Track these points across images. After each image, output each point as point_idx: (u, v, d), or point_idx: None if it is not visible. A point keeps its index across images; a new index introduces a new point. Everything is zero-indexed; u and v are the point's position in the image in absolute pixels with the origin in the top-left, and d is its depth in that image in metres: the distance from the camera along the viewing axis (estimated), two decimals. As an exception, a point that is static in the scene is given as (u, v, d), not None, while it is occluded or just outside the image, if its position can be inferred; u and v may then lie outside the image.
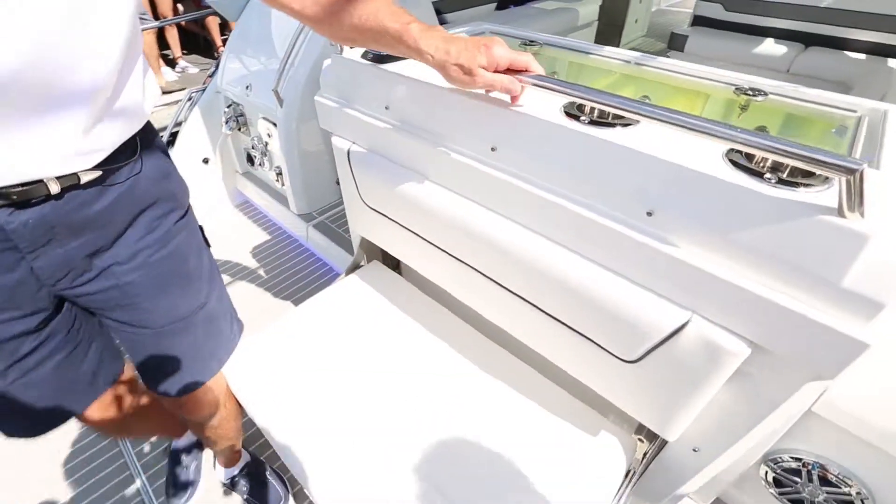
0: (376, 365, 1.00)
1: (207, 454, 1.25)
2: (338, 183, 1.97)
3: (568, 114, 0.66)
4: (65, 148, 0.52)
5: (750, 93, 0.87)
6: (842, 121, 0.81)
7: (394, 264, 1.32)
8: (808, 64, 2.57)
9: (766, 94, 0.86)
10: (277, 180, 1.95)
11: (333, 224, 1.91)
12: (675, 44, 2.95)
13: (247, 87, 1.88)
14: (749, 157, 0.56)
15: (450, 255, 0.88)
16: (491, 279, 0.83)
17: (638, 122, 0.65)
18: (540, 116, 0.66)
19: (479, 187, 0.76)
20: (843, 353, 0.49)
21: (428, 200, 0.84)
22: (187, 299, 0.74)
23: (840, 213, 0.46)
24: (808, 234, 0.48)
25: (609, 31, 3.69)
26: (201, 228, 0.80)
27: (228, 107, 1.98)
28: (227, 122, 2.00)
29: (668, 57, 1.03)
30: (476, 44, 0.62)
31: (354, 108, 0.93)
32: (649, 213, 0.58)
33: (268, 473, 1.19)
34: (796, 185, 0.51)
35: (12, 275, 0.57)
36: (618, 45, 3.90)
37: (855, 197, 0.44)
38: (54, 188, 0.54)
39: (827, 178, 0.51)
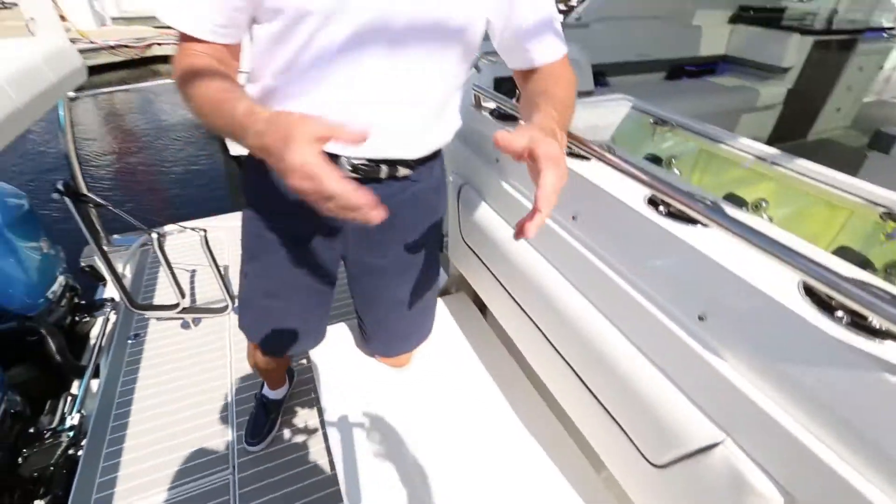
0: (433, 394, 1.08)
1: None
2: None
3: (651, 200, 0.68)
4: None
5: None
6: None
7: (481, 304, 1.40)
8: None
9: (920, 223, 0.74)
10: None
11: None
12: (879, 143, 2.50)
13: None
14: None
15: (521, 308, 0.93)
16: (549, 341, 0.86)
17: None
18: (618, 196, 0.69)
19: (556, 251, 0.80)
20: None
21: (511, 252, 0.91)
22: None
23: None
24: (876, 392, 0.42)
25: (796, 117, 3.29)
26: None
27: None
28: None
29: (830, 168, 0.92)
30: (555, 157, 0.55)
31: (473, 151, 1.06)
32: (701, 318, 0.56)
33: None
34: (874, 332, 0.45)
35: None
36: (805, 136, 3.45)
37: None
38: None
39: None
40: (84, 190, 2.18)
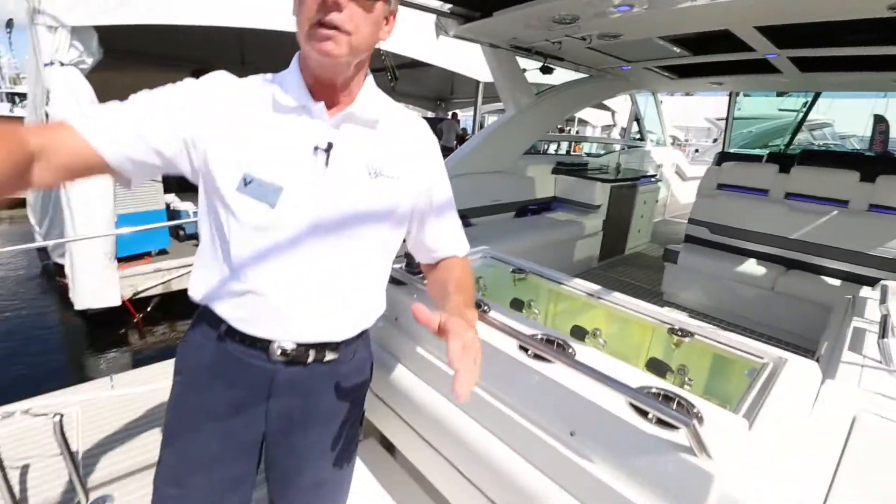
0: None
1: None
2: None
3: (521, 347, 0.90)
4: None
5: (679, 333, 1.10)
6: (752, 364, 1.01)
7: (389, 446, 1.45)
8: (789, 285, 2.87)
9: (692, 335, 1.10)
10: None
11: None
12: (669, 257, 3.38)
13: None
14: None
15: (427, 442, 1.04)
16: (453, 465, 0.97)
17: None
18: (497, 345, 0.90)
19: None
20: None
21: (416, 397, 1.04)
22: None
23: (693, 452, 0.63)
24: (673, 467, 0.64)
25: (613, 239, 4.27)
26: None
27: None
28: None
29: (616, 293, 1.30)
30: (463, 343, 0.68)
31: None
32: (572, 433, 0.76)
33: None
34: (669, 425, 0.69)
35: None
36: (623, 252, 4.45)
37: (696, 443, 0.62)
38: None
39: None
40: None
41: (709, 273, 3.16)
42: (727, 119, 5.40)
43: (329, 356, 0.84)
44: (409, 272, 1.16)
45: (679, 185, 6.88)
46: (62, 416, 1.62)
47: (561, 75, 3.99)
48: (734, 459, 0.63)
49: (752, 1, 2.01)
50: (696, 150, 14.32)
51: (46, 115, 3.37)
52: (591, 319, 1.29)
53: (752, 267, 3.07)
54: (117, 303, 3.83)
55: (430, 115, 11.99)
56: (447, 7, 2.89)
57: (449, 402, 0.99)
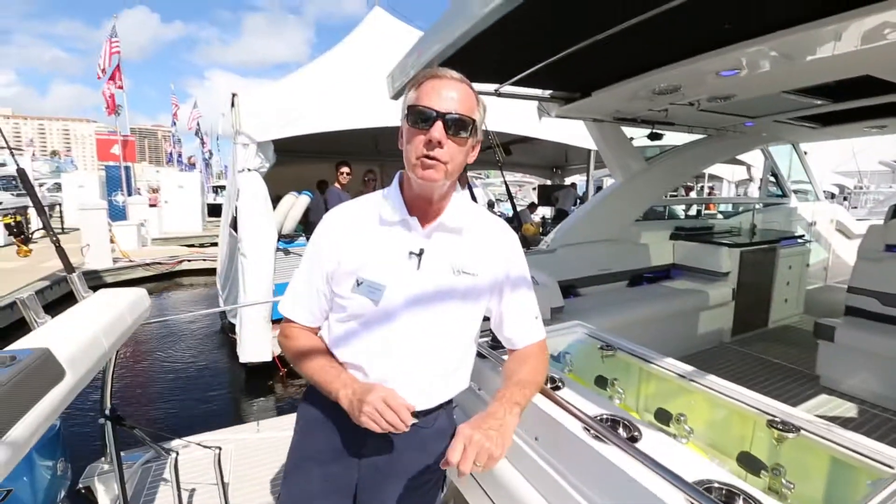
0: None
1: None
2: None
3: (584, 427, 0.93)
4: None
5: (780, 427, 1.00)
6: (879, 474, 0.87)
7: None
8: None
9: (797, 430, 0.98)
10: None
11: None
12: (823, 333, 2.85)
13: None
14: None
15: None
16: None
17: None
18: (563, 423, 0.94)
19: (525, 463, 1.01)
20: None
21: (499, 473, 1.11)
22: None
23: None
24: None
25: (749, 310, 3.75)
26: None
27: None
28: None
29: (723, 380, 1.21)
30: (463, 438, 0.81)
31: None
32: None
33: None
34: None
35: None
36: (766, 325, 3.86)
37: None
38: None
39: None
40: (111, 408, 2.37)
41: (881, 354, 2.58)
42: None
43: (413, 420, 0.97)
44: (492, 347, 1.27)
45: (844, 243, 5.79)
46: (220, 449, 2.01)
47: (678, 136, 3.88)
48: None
49: (885, 46, 1.81)
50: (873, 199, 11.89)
51: (236, 209, 4.40)
52: (679, 403, 1.22)
53: None
54: (269, 358, 4.55)
55: (547, 182, 12.24)
56: (547, 93, 3.13)
57: (520, 474, 1.04)
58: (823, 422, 0.97)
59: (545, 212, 11.33)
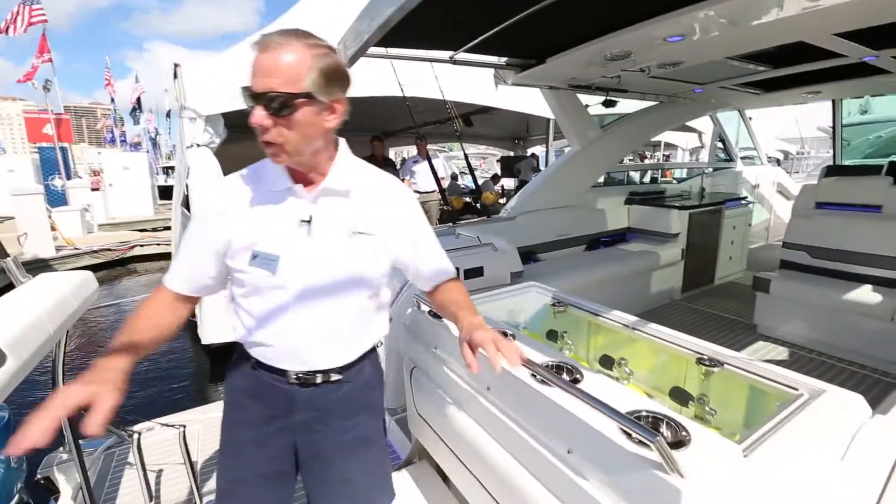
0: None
1: None
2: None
3: (531, 374, 0.99)
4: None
5: (707, 363, 1.10)
6: (786, 397, 0.98)
7: (440, 468, 1.56)
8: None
9: (721, 364, 1.08)
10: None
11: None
12: (760, 286, 3.09)
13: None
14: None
15: (458, 458, 1.14)
16: (481, 484, 1.06)
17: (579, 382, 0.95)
18: (511, 371, 1.00)
19: (479, 413, 1.07)
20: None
21: (449, 416, 1.17)
22: None
23: (665, 469, 0.68)
24: (651, 484, 0.69)
25: (698, 269, 3.99)
26: None
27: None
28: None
29: (657, 324, 1.30)
30: (472, 328, 0.94)
31: (419, 342, 1.39)
32: (569, 451, 0.83)
33: None
34: (646, 444, 0.73)
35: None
36: (712, 282, 4.12)
37: (664, 459, 0.67)
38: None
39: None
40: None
41: (810, 303, 2.82)
42: (833, 128, 4.84)
43: (335, 377, 1.03)
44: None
45: (784, 204, 6.19)
46: (185, 427, 1.99)
47: (632, 104, 3.97)
48: (713, 481, 0.66)
49: (822, 11, 1.90)
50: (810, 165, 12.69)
51: (187, 187, 4.20)
52: (623, 350, 1.31)
53: (865, 294, 2.69)
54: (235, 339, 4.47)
55: (510, 154, 12.29)
56: (503, 60, 3.12)
57: (476, 423, 1.10)
58: (745, 356, 1.08)
59: (508, 183, 11.44)
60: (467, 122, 7.46)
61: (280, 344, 1.00)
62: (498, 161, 14.61)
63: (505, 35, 2.38)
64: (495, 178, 10.75)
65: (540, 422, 0.90)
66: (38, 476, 2.31)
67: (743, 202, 4.45)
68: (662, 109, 4.09)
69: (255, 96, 0.84)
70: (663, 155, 15.81)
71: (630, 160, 6.62)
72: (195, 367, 5.04)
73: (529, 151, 12.01)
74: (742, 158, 5.84)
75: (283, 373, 1.01)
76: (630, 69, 3.03)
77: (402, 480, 1.47)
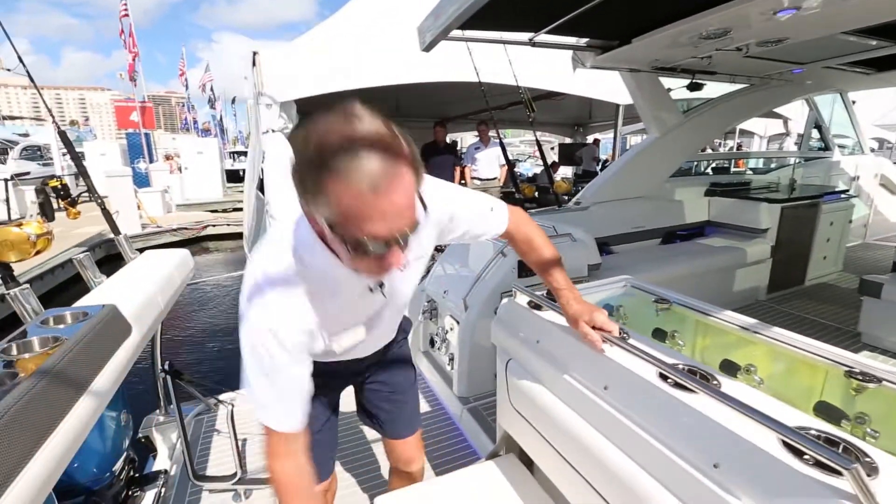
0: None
1: None
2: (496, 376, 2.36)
3: (661, 375, 0.92)
4: None
5: (860, 377, 0.97)
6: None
7: (528, 462, 1.53)
8: None
9: (879, 381, 0.96)
10: (449, 364, 2.44)
11: (484, 412, 2.22)
12: (868, 289, 2.77)
13: (444, 291, 2.57)
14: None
15: (565, 459, 1.10)
16: (587, 482, 1.01)
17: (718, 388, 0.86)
18: (637, 372, 0.94)
19: (593, 415, 1.02)
20: None
21: (557, 417, 1.12)
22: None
23: (858, 500, 0.60)
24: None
25: (787, 268, 3.65)
26: None
27: (428, 302, 2.69)
28: (423, 313, 2.69)
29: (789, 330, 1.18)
30: (590, 310, 1.04)
31: (517, 335, 1.34)
32: (716, 465, 0.76)
33: None
34: (831, 470, 0.65)
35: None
36: (802, 283, 3.77)
37: (860, 490, 0.58)
38: None
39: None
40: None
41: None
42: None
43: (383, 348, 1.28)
44: (549, 298, 1.26)
45: (887, 198, 5.54)
46: (233, 406, 2.09)
47: (717, 86, 3.67)
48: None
49: None
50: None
51: (262, 170, 4.40)
52: (746, 356, 1.20)
53: None
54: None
55: (567, 141, 11.88)
56: (583, 41, 2.97)
57: (588, 424, 1.04)
58: (905, 371, 0.95)
59: (566, 172, 11.06)
60: (531, 108, 7.26)
61: (343, 355, 1.10)
62: (553, 149, 14.18)
63: (590, 14, 2.24)
64: (554, 167, 10.44)
65: (674, 431, 0.83)
66: (140, 436, 2.54)
67: (843, 196, 4.01)
68: (752, 93, 3.75)
69: (389, 243, 0.69)
70: (737, 144, 14.64)
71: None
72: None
73: (590, 138, 11.54)
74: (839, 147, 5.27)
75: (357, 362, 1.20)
76: (725, 48, 2.78)
77: (486, 471, 1.45)
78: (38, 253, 1.41)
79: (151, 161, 14.66)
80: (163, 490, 2.20)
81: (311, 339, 0.89)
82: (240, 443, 2.28)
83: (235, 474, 2.04)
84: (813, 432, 0.67)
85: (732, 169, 7.28)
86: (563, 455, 1.13)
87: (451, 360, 2.39)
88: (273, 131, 4.23)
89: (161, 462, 2.44)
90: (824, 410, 0.96)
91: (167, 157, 16.76)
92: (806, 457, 0.68)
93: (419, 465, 1.47)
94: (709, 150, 6.99)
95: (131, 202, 9.33)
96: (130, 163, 13.99)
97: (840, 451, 0.67)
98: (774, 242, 3.49)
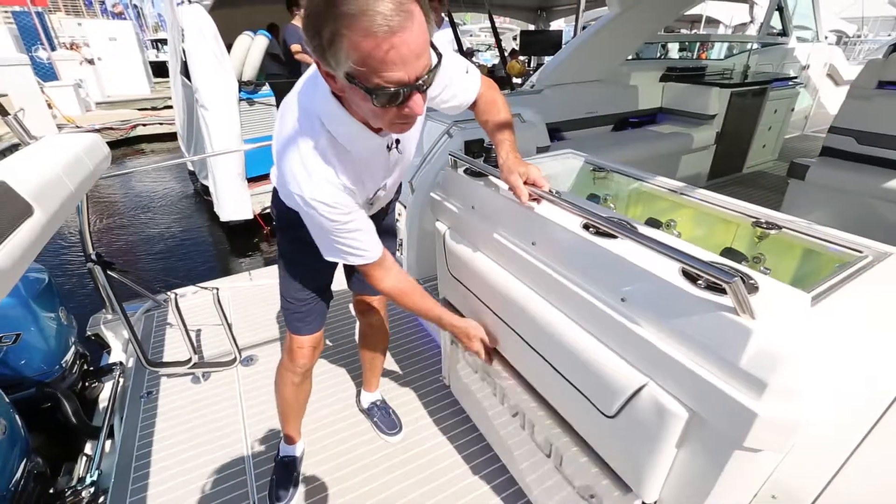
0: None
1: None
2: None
3: (584, 226, 0.95)
4: None
5: (764, 225, 1.04)
6: (849, 258, 0.93)
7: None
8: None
9: (780, 227, 1.03)
10: (398, 250, 2.46)
11: (433, 292, 2.31)
12: (795, 172, 2.93)
13: (391, 180, 2.50)
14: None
15: (497, 316, 1.17)
16: (519, 335, 1.09)
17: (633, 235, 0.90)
18: (563, 224, 0.95)
19: (523, 269, 1.06)
20: (743, 419, 0.64)
21: (487, 273, 1.16)
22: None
23: (737, 312, 0.66)
24: (718, 326, 0.67)
25: (729, 155, 3.78)
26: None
27: (376, 192, 2.62)
28: (372, 203, 2.63)
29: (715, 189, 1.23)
30: (525, 165, 1.05)
31: (453, 203, 1.33)
32: (623, 300, 0.81)
33: (391, 410, 1.83)
34: (721, 290, 0.71)
35: None
36: (741, 170, 3.94)
37: (738, 301, 0.64)
38: None
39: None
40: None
41: (847, 190, 2.67)
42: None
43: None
44: (487, 164, 1.23)
45: (831, 90, 5.67)
46: (218, 289, 2.07)
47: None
48: (781, 323, 0.64)
49: None
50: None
51: (184, 52, 3.85)
52: (670, 213, 1.26)
53: None
54: (250, 216, 4.50)
55: (530, 27, 11.06)
56: None
57: (516, 278, 1.09)
58: (805, 221, 1.02)
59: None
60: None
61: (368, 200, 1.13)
62: (515, 38, 13.24)
63: None
64: (513, 55, 9.82)
65: (591, 273, 0.88)
66: (88, 333, 2.50)
67: (790, 84, 4.06)
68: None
69: (409, 88, 0.71)
70: (702, 34, 14.16)
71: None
72: (215, 242, 5.20)
73: (555, 26, 10.78)
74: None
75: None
76: None
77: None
78: None
79: (53, 49, 12.54)
80: (120, 380, 2.24)
81: (353, 197, 0.97)
82: (191, 333, 2.30)
83: (190, 359, 2.08)
84: (708, 260, 0.71)
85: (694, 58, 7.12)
86: (494, 310, 1.19)
87: (400, 245, 2.41)
88: (189, 2, 3.62)
89: (115, 356, 2.45)
90: (729, 254, 1.04)
91: (72, 46, 14.37)
92: (699, 282, 0.73)
93: (383, 315, 1.64)
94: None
95: (37, 98, 8.13)
96: (27, 51, 11.92)
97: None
98: (720, 129, 3.56)
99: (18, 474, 1.48)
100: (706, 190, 1.22)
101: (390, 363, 2.11)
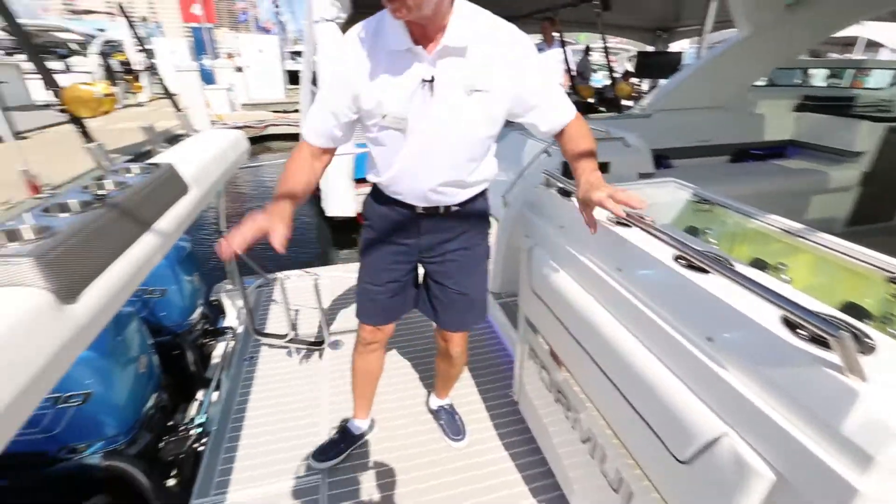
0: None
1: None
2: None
3: (676, 258, 0.91)
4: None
5: (900, 283, 0.91)
6: None
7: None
8: None
9: (921, 287, 0.89)
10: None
11: (515, 307, 2.32)
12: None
13: (485, 192, 2.56)
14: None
15: (577, 341, 1.15)
16: (594, 361, 1.07)
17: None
18: (652, 253, 0.93)
19: (604, 294, 1.04)
20: (840, 494, 0.58)
21: (568, 295, 1.16)
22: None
23: (844, 371, 0.60)
24: (819, 383, 0.61)
25: (875, 199, 3.24)
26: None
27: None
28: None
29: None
30: (603, 184, 0.97)
31: (542, 221, 1.35)
32: (709, 339, 0.77)
33: (457, 416, 1.88)
34: (825, 344, 0.64)
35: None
36: (891, 218, 3.36)
37: (846, 360, 0.58)
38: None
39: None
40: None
41: None
42: None
43: (454, 208, 1.25)
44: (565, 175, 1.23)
45: None
46: (318, 276, 2.30)
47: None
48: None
49: None
50: None
51: (314, 63, 4.34)
52: (782, 256, 1.14)
53: None
54: (353, 214, 4.89)
55: (647, 48, 10.54)
56: None
57: (597, 303, 1.07)
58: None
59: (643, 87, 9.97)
60: (605, 5, 6.39)
61: (409, 192, 1.20)
62: (630, 59, 12.68)
63: None
64: (626, 77, 9.43)
65: (678, 307, 0.84)
66: (212, 298, 2.93)
67: (970, 120, 3.37)
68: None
69: None
70: (855, 59, 12.31)
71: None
72: (319, 235, 5.73)
73: (675, 46, 10.14)
74: None
75: (412, 207, 1.24)
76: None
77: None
78: (104, 113, 1.55)
79: (216, 58, 14.82)
80: (231, 342, 2.59)
81: (358, 76, 1.06)
82: (292, 312, 2.57)
83: (287, 335, 2.34)
84: (814, 310, 0.65)
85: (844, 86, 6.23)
86: (573, 335, 1.18)
87: (488, 258, 2.45)
88: (325, 20, 4.08)
89: (229, 321, 2.83)
90: (851, 310, 0.92)
91: (229, 56, 16.85)
92: (800, 331, 0.68)
93: (458, 352, 1.60)
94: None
95: (199, 98, 9.68)
96: (197, 59, 14.24)
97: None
98: (868, 169, 3.08)
99: (150, 402, 1.80)
100: (838, 238, 1.08)
101: (463, 371, 2.17)
